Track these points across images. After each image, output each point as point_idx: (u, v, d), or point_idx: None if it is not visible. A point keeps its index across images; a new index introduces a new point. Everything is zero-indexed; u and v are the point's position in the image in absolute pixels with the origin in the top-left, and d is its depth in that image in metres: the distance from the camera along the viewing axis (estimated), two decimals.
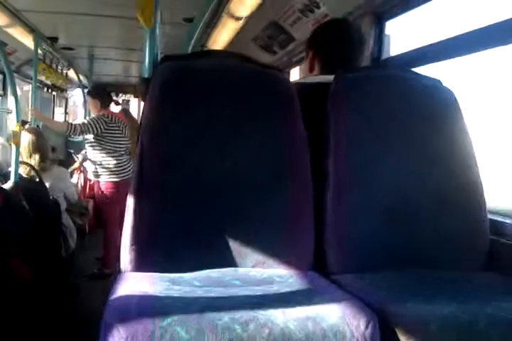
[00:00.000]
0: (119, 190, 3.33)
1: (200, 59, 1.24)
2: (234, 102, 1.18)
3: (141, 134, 1.13)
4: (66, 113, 7.05)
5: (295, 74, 3.18)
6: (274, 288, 0.97)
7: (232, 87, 1.19)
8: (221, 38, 3.05)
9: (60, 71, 4.53)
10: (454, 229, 1.23)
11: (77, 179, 4.05)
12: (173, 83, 1.16)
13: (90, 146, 3.43)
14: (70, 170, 3.88)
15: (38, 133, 3.12)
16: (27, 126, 3.44)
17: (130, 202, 1.07)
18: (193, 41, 2.29)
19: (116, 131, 3.39)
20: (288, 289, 0.96)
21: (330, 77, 1.27)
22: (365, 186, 1.20)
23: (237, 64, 1.25)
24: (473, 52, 1.42)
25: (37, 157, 3.01)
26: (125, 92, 7.01)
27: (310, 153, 1.21)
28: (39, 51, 3.57)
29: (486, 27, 1.32)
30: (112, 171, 3.37)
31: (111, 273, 2.46)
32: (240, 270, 1.09)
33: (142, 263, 1.05)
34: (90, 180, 3.89)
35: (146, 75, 1.26)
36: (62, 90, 6.23)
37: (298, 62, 2.98)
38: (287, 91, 1.22)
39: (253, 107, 1.18)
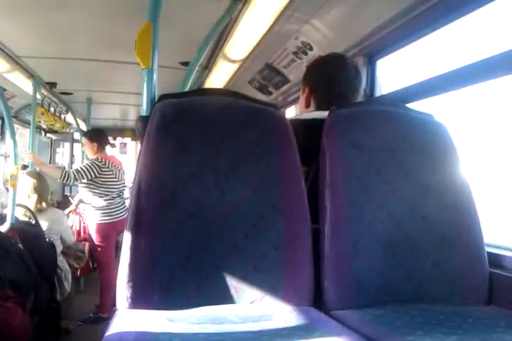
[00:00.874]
0: (111, 232, 3.32)
1: (198, 96, 1.27)
2: (232, 138, 1.19)
3: (139, 171, 1.13)
4: (72, 155, 7.07)
5: (290, 114, 3.25)
6: (273, 324, 0.95)
7: (230, 123, 1.21)
8: (218, 80, 3.12)
9: (58, 115, 4.59)
10: (453, 263, 1.22)
11: (72, 221, 4.02)
12: (171, 119, 1.17)
13: (82, 188, 3.45)
14: (66, 212, 3.85)
15: (38, 177, 3.16)
16: (27, 170, 3.47)
17: (127, 239, 1.06)
18: (189, 84, 2.36)
19: (109, 176, 3.42)
20: (286, 325, 0.94)
21: (325, 113, 1.29)
22: (363, 219, 1.19)
23: (234, 100, 1.27)
24: (461, 88, 1.47)
25: (34, 198, 3.02)
26: (123, 136, 7.08)
27: (307, 187, 1.22)
28: (38, 96, 3.64)
29: (473, 64, 1.36)
30: (104, 213, 3.37)
31: (107, 318, 2.40)
32: (238, 306, 1.07)
33: (138, 300, 1.03)
34: (85, 223, 3.88)
35: (144, 114, 1.28)
36: (62, 134, 6.29)
37: (293, 102, 3.05)
38: (283, 127, 1.23)
39: (250, 142, 1.19)
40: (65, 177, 3.26)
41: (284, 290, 1.10)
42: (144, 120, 1.21)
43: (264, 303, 1.09)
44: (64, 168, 5.15)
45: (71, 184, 4.25)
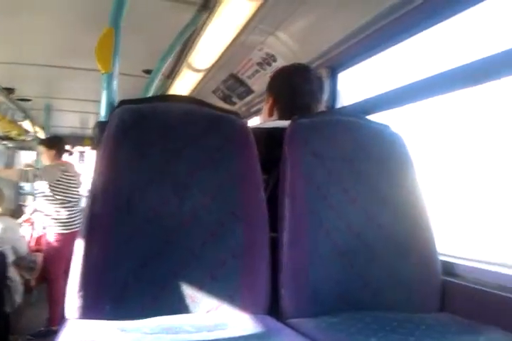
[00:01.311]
0: (68, 243, 3.20)
1: (159, 103, 1.24)
2: (192, 144, 1.17)
3: (95, 177, 1.10)
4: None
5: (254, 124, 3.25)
6: (228, 333, 0.93)
7: (190, 129, 1.20)
8: (181, 90, 3.10)
9: (15, 122, 4.45)
10: (407, 272, 1.24)
11: (26, 231, 3.88)
12: (130, 125, 1.15)
13: (42, 196, 3.32)
14: (19, 221, 3.72)
15: None
16: None
17: (79, 247, 1.02)
18: (151, 92, 2.33)
19: (72, 181, 3.32)
20: (242, 334, 0.92)
21: (287, 122, 1.29)
22: (321, 228, 1.20)
23: (196, 107, 1.26)
24: (419, 101, 1.51)
25: None
26: (82, 145, 6.92)
27: (267, 195, 1.21)
28: None
29: (432, 76, 1.41)
30: (62, 223, 3.26)
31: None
32: (193, 316, 1.04)
33: (89, 310, 0.99)
34: (38, 233, 3.75)
35: (102, 120, 1.24)
36: (20, 141, 6.09)
37: (256, 113, 3.06)
38: (244, 135, 1.23)
39: (211, 149, 1.18)
40: (23, 175, 3.16)
41: (241, 299, 1.08)
42: (101, 125, 1.18)
43: (220, 312, 1.07)
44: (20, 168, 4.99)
45: (31, 182, 4.10)
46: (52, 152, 3.41)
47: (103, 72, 1.27)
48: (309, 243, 1.17)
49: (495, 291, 1.14)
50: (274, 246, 1.16)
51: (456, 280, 1.26)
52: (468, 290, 1.21)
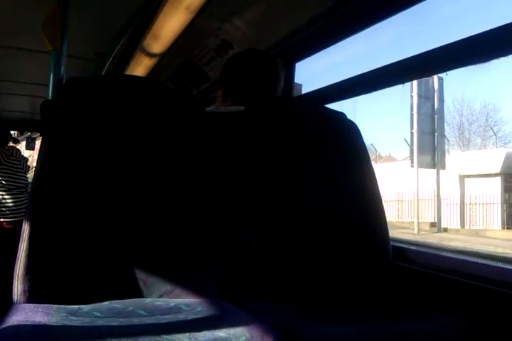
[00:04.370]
0: (18, 231, 3.07)
1: (108, 82, 1.21)
2: (142, 125, 1.15)
3: (42, 157, 1.06)
4: None
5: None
6: (181, 317, 0.93)
7: (142, 110, 1.17)
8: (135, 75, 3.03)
9: None
10: (360, 257, 1.27)
11: None
12: (78, 104, 1.11)
13: None
14: None
15: None
16: None
17: (25, 228, 0.99)
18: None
19: (17, 166, 3.19)
20: (195, 317, 0.92)
21: (242, 108, 1.29)
22: (277, 213, 1.21)
23: (149, 87, 1.23)
24: (374, 91, 1.54)
25: None
26: (31, 130, 6.65)
27: (222, 180, 1.21)
28: None
29: (387, 65, 1.43)
30: (11, 210, 3.13)
31: None
32: (146, 300, 1.03)
33: (37, 294, 0.96)
34: None
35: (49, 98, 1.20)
36: None
37: (213, 101, 3.03)
38: (197, 117, 1.22)
39: (160, 131, 1.17)
40: None
41: (194, 283, 1.08)
42: (48, 104, 1.13)
43: (173, 296, 1.06)
44: None
45: None
46: None
47: (50, 49, 1.21)
48: (263, 228, 1.18)
49: (445, 275, 1.18)
50: (229, 231, 1.17)
51: (406, 265, 1.30)
52: (418, 275, 1.25)
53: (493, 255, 1.15)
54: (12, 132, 3.99)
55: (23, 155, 3.32)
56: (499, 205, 12.01)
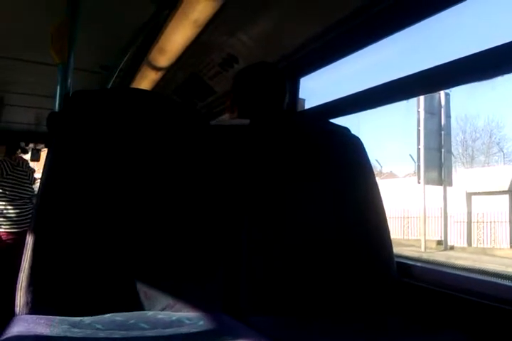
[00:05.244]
0: (20, 242, 3.06)
1: (114, 95, 1.22)
2: (147, 138, 1.15)
3: (47, 169, 1.06)
4: None
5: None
6: (183, 330, 0.92)
7: (147, 124, 1.18)
8: (141, 88, 3.05)
9: None
10: (364, 273, 1.26)
11: None
12: (84, 115, 1.12)
13: None
14: None
15: None
16: None
17: (29, 240, 0.99)
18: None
19: (23, 176, 3.20)
20: (197, 331, 0.91)
21: (246, 121, 1.30)
22: (279, 229, 1.20)
23: (154, 101, 1.24)
24: (378, 106, 1.54)
25: None
26: (37, 142, 6.69)
27: (225, 193, 1.21)
28: None
29: (389, 82, 1.44)
30: (13, 221, 3.13)
31: None
32: (148, 313, 1.03)
33: (40, 306, 0.96)
34: None
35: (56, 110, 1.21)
36: None
37: (218, 114, 3.04)
38: (201, 130, 1.22)
39: (165, 144, 1.17)
40: None
41: (197, 297, 1.08)
42: (55, 116, 1.14)
43: (176, 310, 1.06)
44: None
45: None
46: (2, 148, 3.28)
47: (58, 62, 1.22)
48: (266, 242, 1.17)
49: (452, 292, 1.17)
50: (233, 244, 1.16)
51: (412, 282, 1.29)
52: (424, 292, 1.23)
53: (500, 273, 1.14)
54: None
55: (30, 166, 3.32)
56: (507, 223, 11.87)
